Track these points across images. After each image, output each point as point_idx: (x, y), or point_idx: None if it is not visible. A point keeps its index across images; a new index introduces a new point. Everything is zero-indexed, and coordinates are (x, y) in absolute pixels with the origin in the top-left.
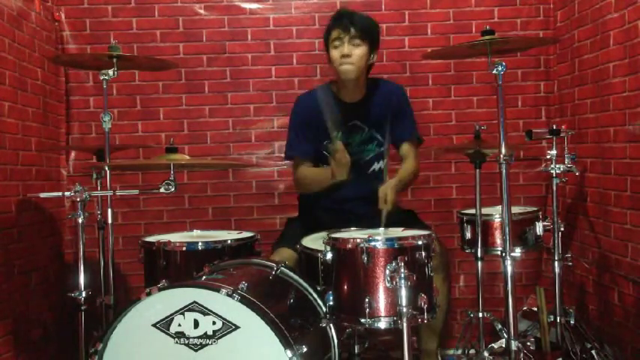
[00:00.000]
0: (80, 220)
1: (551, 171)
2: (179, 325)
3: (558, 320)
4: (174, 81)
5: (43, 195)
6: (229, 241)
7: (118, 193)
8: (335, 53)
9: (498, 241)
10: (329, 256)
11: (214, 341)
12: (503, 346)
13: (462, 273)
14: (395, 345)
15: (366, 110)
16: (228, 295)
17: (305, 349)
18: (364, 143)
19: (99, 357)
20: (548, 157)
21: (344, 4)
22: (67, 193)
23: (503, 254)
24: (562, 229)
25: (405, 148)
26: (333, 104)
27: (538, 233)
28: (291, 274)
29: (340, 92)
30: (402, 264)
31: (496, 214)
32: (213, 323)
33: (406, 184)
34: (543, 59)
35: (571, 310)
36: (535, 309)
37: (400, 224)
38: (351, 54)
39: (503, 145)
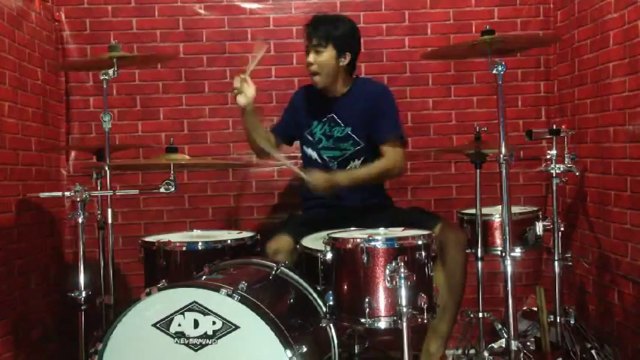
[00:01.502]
0: (80, 220)
1: (551, 171)
2: (179, 325)
3: (558, 320)
4: (174, 81)
5: (43, 195)
6: (229, 241)
7: (118, 193)
8: (306, 59)
9: (498, 241)
10: (329, 256)
11: (214, 341)
12: (503, 346)
13: None
14: (395, 345)
15: (345, 107)
16: (228, 295)
17: (305, 349)
18: (341, 140)
19: (99, 357)
20: (548, 157)
21: (344, 4)
22: (67, 193)
23: (503, 254)
24: (562, 229)
25: (383, 148)
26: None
27: (538, 233)
28: (291, 274)
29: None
30: (402, 264)
31: (496, 214)
32: (213, 323)
33: (361, 180)
34: (543, 59)
35: (571, 310)
36: (535, 309)
37: (408, 222)
38: (314, 62)
39: (503, 145)
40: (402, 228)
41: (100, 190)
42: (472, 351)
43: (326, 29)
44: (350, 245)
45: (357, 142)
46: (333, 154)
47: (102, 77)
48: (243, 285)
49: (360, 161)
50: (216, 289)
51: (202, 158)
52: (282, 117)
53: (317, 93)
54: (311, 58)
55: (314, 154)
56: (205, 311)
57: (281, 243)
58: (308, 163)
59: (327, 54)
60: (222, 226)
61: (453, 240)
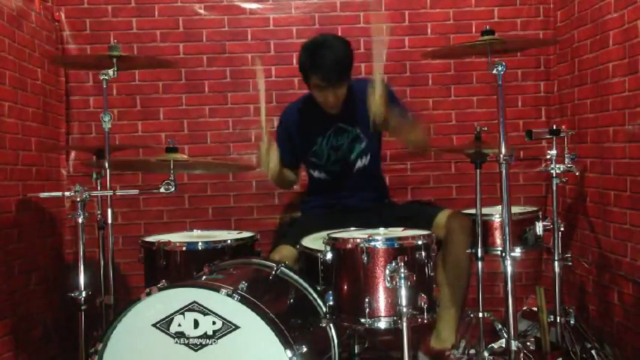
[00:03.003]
0: (80, 220)
1: (551, 171)
2: (179, 325)
3: (558, 320)
4: (174, 81)
5: (43, 195)
6: (229, 241)
7: (118, 193)
8: (319, 96)
9: (498, 241)
10: (329, 256)
11: (214, 341)
12: (503, 346)
13: None
14: (395, 345)
15: (348, 112)
16: (228, 295)
17: (305, 349)
18: (353, 142)
19: (99, 357)
20: (548, 157)
21: (344, 4)
22: (67, 193)
23: (503, 254)
24: (562, 229)
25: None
26: None
27: (538, 233)
28: (291, 274)
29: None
30: (402, 264)
31: (496, 214)
32: (213, 323)
33: (408, 125)
34: (543, 59)
35: (571, 310)
36: (535, 309)
37: (407, 220)
38: (336, 98)
39: (503, 145)
40: (402, 228)
41: (100, 190)
42: (472, 351)
43: (342, 67)
44: (350, 245)
45: (363, 139)
46: (344, 163)
47: (102, 77)
48: (243, 285)
49: (367, 158)
50: (216, 289)
51: (202, 158)
52: (282, 148)
53: (311, 108)
54: (332, 97)
55: (322, 175)
56: (205, 311)
57: (284, 253)
58: (316, 183)
59: (343, 87)
60: (222, 226)
61: (458, 225)
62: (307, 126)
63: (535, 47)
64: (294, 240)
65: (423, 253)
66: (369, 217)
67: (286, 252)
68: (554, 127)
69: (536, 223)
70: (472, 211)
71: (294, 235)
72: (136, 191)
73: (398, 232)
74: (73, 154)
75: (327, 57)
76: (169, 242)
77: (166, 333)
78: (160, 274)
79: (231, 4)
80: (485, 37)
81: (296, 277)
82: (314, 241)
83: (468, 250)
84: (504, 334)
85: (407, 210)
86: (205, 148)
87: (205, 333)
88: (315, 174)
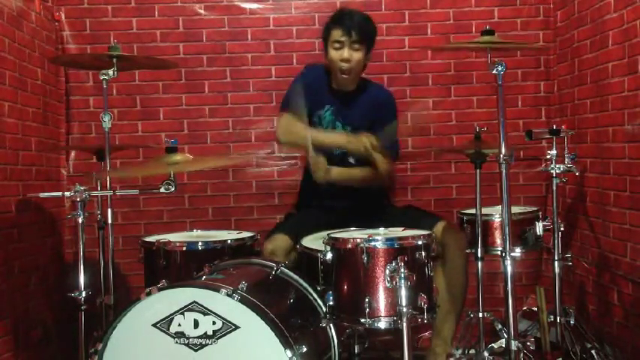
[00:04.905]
0: (80, 220)
1: (551, 171)
2: (179, 325)
3: (558, 320)
4: (174, 81)
5: (43, 195)
6: (229, 241)
7: (118, 193)
8: (335, 54)
9: (498, 241)
10: (329, 256)
11: (214, 341)
12: (503, 346)
13: None
14: (395, 345)
15: (351, 107)
16: (228, 295)
17: (305, 349)
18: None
19: (99, 357)
20: (548, 157)
21: (344, 3)
22: (67, 193)
23: (503, 254)
24: (562, 229)
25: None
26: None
27: (538, 233)
28: (291, 274)
29: (333, 79)
30: (402, 264)
31: (496, 214)
32: (213, 323)
33: (353, 180)
34: (543, 59)
35: (571, 310)
36: (535, 309)
37: (404, 223)
38: (350, 58)
39: (503, 145)
40: (402, 228)
41: (100, 190)
42: (472, 351)
43: (364, 27)
44: (350, 245)
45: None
46: (341, 158)
47: (102, 77)
48: (243, 285)
49: (354, 159)
50: (216, 289)
51: (202, 159)
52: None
53: (327, 80)
54: (347, 54)
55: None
56: (205, 311)
57: (277, 243)
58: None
59: (361, 53)
60: (222, 226)
61: (453, 242)
62: (321, 89)
63: (533, 49)
64: (290, 231)
65: (423, 253)
66: (368, 218)
67: (280, 242)
68: (554, 127)
69: (536, 223)
70: (472, 211)
71: (290, 226)
72: (136, 191)
73: (398, 232)
74: (73, 154)
75: (351, 14)
76: (169, 242)
77: (166, 333)
78: (160, 274)
79: (231, 4)
80: (485, 38)
81: (296, 277)
82: (314, 241)
83: (468, 250)
84: (504, 334)
85: (405, 216)
86: (205, 148)
87: (205, 333)
88: None
